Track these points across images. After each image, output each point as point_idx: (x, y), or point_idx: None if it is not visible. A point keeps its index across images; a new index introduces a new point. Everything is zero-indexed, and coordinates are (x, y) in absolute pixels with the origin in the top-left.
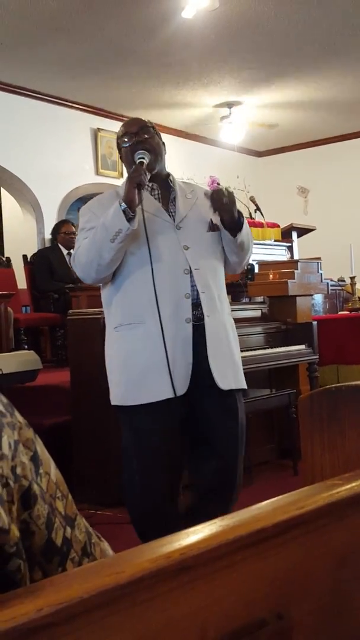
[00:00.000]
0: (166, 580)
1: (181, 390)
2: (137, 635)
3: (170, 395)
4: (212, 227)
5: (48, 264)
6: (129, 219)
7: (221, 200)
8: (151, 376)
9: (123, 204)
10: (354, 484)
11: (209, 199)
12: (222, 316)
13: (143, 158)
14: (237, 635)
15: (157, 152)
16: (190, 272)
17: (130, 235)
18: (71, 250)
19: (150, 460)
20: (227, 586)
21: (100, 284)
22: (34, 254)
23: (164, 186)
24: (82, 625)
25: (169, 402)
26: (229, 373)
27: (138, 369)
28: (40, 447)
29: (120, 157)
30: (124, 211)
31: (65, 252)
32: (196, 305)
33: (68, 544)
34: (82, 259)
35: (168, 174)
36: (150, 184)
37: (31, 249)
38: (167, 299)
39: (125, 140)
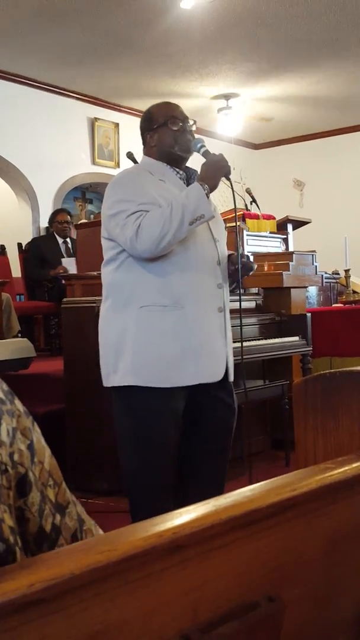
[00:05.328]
0: (158, 559)
1: (220, 376)
2: (129, 614)
3: (208, 379)
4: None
5: (39, 252)
6: None
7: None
8: (187, 360)
9: (207, 187)
10: (346, 468)
11: (234, 263)
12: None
13: (205, 147)
14: (228, 617)
15: None
16: (219, 264)
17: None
18: (67, 239)
19: (166, 443)
20: (219, 567)
21: (114, 265)
22: (28, 243)
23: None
24: (74, 602)
25: (185, 387)
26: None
27: (174, 351)
28: (37, 436)
29: (147, 134)
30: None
31: (60, 241)
32: (222, 295)
33: (57, 530)
34: (151, 233)
35: (187, 167)
36: (181, 173)
37: (26, 238)
38: (205, 288)
39: (177, 122)
